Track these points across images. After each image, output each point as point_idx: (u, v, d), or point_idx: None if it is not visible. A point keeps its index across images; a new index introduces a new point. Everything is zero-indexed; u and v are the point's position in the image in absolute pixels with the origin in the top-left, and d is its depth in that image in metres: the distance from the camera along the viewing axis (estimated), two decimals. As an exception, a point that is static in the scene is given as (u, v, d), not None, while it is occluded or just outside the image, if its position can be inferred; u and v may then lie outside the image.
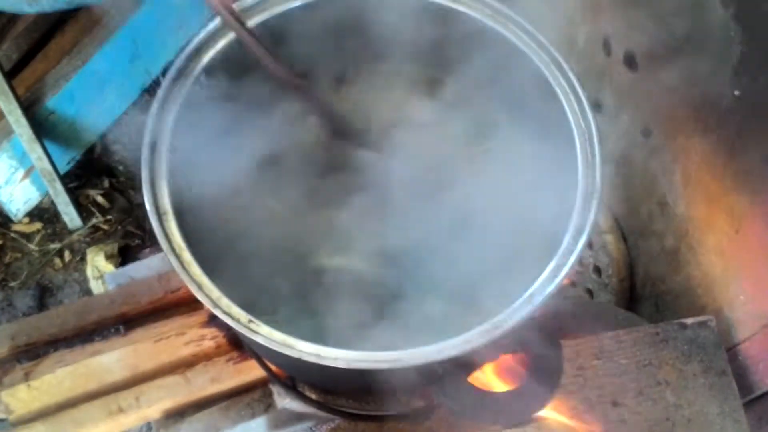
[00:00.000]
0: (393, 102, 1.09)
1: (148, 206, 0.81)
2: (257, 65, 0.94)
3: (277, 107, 1.02)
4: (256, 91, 0.95)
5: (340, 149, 1.06)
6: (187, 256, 0.80)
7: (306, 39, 0.98)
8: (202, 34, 0.91)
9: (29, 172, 1.90)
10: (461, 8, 0.95)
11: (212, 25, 0.92)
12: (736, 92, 1.02)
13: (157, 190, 0.83)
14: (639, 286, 1.41)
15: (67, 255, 1.92)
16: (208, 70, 0.91)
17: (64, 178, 1.90)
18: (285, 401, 1.07)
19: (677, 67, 1.15)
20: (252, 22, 0.94)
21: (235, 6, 0.92)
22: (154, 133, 0.86)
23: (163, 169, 0.85)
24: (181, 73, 0.90)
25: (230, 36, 0.92)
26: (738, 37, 0.98)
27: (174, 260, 0.80)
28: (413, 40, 1.01)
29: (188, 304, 1.18)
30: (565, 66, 0.90)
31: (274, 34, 0.95)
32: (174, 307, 1.19)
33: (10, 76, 1.76)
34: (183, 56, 0.90)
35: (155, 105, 0.87)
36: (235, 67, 0.94)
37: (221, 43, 0.92)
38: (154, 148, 0.85)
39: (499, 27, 0.93)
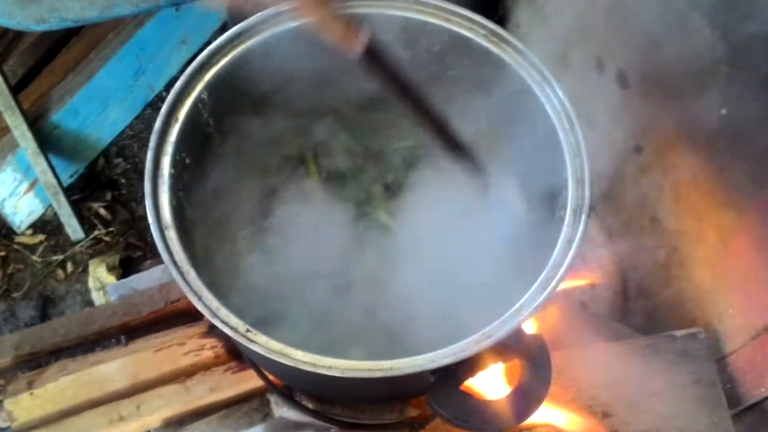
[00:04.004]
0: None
1: (150, 219, 0.84)
2: (259, 83, 0.97)
3: (277, 128, 1.04)
4: (257, 110, 0.98)
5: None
6: (186, 267, 0.82)
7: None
8: (205, 53, 0.94)
9: (33, 184, 1.92)
10: (453, 27, 0.97)
11: (215, 44, 0.94)
12: (723, 111, 1.04)
13: (159, 204, 0.86)
14: (632, 299, 1.43)
15: (69, 266, 1.94)
16: (210, 88, 0.94)
17: (68, 191, 1.92)
18: (282, 410, 1.09)
19: (667, 85, 1.17)
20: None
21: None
22: (158, 149, 0.89)
23: (165, 184, 0.87)
24: (184, 90, 0.93)
25: (232, 54, 0.95)
26: (725, 57, 1.01)
27: (174, 271, 0.82)
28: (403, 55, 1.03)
29: (188, 315, 1.20)
30: (555, 84, 0.92)
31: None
32: (174, 318, 1.21)
33: (16, 91, 1.78)
34: (186, 74, 0.93)
35: (159, 121, 0.89)
36: (237, 85, 0.97)
37: (223, 62, 0.95)
38: (157, 163, 0.88)
39: (491, 46, 0.96)
